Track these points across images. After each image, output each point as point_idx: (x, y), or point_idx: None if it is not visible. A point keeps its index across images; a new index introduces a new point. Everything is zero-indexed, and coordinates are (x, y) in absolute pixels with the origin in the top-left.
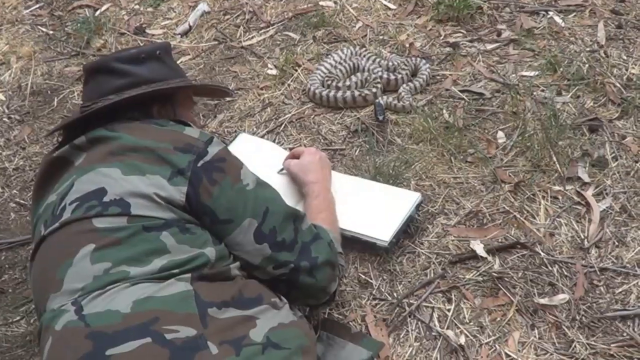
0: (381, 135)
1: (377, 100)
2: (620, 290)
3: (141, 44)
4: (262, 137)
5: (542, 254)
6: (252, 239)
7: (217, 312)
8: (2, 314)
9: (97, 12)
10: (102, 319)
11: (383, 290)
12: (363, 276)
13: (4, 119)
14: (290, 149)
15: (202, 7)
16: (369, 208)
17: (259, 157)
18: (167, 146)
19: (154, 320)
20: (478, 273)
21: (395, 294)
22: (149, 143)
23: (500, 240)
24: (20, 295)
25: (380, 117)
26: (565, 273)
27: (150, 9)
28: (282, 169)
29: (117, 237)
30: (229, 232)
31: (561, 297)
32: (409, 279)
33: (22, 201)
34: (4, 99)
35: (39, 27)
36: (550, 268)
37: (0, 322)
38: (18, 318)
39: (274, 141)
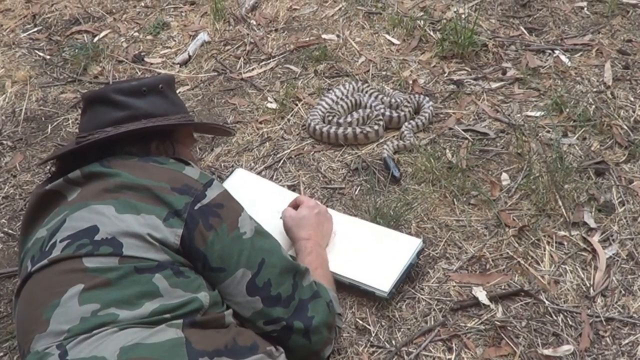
0: (383, 175)
1: (384, 156)
2: (626, 341)
3: (139, 72)
4: (260, 172)
5: (546, 302)
6: (244, 290)
7: None
8: None
9: (96, 38)
10: None
11: (381, 337)
12: (360, 322)
13: None
14: (289, 187)
15: (203, 36)
16: (369, 254)
17: (255, 195)
18: (164, 185)
19: None
20: (480, 321)
21: (393, 342)
22: (146, 182)
23: (503, 287)
24: (4, 330)
25: (397, 174)
26: (570, 323)
27: (149, 37)
28: (278, 211)
29: (107, 277)
30: (220, 281)
31: (566, 348)
32: (409, 326)
33: (10, 231)
34: None
35: (36, 51)
36: (554, 317)
37: None
38: (1, 354)
39: (271, 178)
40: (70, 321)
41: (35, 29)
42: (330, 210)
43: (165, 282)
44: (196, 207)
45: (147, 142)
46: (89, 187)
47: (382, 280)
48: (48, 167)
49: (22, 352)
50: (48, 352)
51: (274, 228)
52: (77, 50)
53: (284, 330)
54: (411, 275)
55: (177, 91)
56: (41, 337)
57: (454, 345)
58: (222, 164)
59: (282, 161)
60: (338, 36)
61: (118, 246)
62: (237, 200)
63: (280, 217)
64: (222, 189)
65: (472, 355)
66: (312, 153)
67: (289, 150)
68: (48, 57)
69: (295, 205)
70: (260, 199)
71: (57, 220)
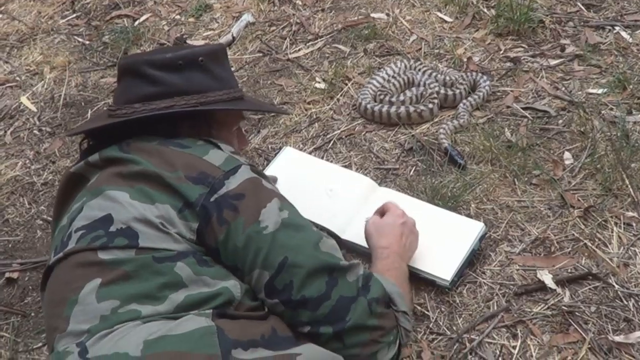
0: (439, 155)
1: (444, 146)
2: None
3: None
4: (309, 154)
5: (616, 286)
6: (263, 291)
7: (243, 352)
8: (24, 340)
9: (136, 23)
10: None
11: (441, 323)
12: (419, 308)
13: (35, 131)
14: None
15: (247, 17)
16: (429, 239)
17: (305, 173)
18: (178, 174)
19: None
20: (546, 306)
21: (454, 328)
22: (159, 170)
23: (569, 270)
24: (42, 320)
25: (461, 161)
26: None
27: (191, 20)
28: (330, 189)
29: (125, 270)
30: (238, 277)
31: (638, 334)
32: (470, 312)
33: (49, 218)
34: (35, 110)
35: (75, 37)
36: (625, 302)
37: (21, 348)
38: (40, 345)
39: (321, 159)
40: (90, 320)
41: (74, 15)
42: (387, 189)
43: (189, 270)
44: (212, 199)
45: (178, 122)
46: (106, 172)
47: (444, 268)
48: (79, 142)
49: (50, 349)
50: (68, 351)
51: (326, 207)
52: (117, 35)
53: (309, 335)
54: (472, 260)
55: None
56: (62, 337)
57: (519, 331)
58: (270, 146)
59: (332, 142)
60: (388, 15)
61: (133, 237)
62: (282, 181)
63: (328, 191)
64: (249, 176)
65: (538, 342)
66: (363, 133)
67: (339, 131)
68: (87, 42)
69: (382, 213)
70: (311, 177)
71: (76, 208)
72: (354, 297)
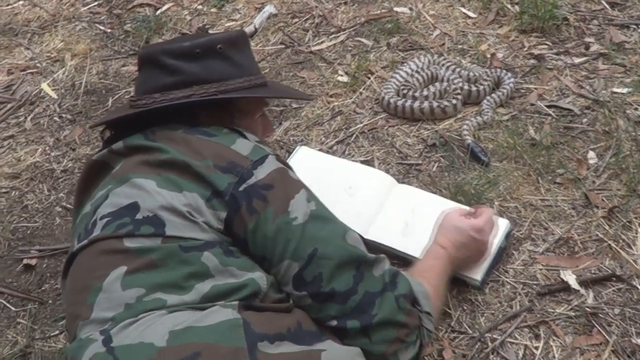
0: (462, 151)
1: (468, 142)
2: None
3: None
4: (331, 147)
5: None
6: (291, 283)
7: (269, 346)
8: (40, 327)
9: (158, 12)
10: (134, 353)
11: (463, 322)
12: None
13: (55, 118)
14: (362, 162)
15: (269, 9)
16: None
17: (323, 173)
18: (207, 163)
19: (194, 356)
20: (570, 307)
21: (476, 327)
22: (187, 158)
23: (593, 271)
24: (60, 307)
25: (485, 158)
26: None
27: (214, 10)
28: (350, 186)
29: (151, 258)
30: (264, 269)
31: None
32: (492, 311)
33: (68, 205)
34: (56, 97)
35: (97, 24)
36: None
37: (37, 335)
38: (57, 332)
39: (343, 152)
40: (115, 308)
41: (96, 3)
42: (408, 187)
43: (216, 260)
44: (241, 188)
45: (197, 112)
46: (132, 160)
47: (473, 267)
48: (99, 133)
49: (71, 336)
50: (91, 338)
51: (347, 207)
52: (138, 23)
53: (335, 329)
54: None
55: None
56: (85, 324)
57: (541, 332)
58: (291, 138)
59: (354, 136)
60: (411, 9)
61: (160, 225)
62: (300, 179)
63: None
64: (277, 166)
65: (561, 343)
66: (386, 128)
67: (361, 125)
68: (109, 30)
69: (476, 215)
70: (329, 176)
71: (100, 195)
72: (379, 293)
